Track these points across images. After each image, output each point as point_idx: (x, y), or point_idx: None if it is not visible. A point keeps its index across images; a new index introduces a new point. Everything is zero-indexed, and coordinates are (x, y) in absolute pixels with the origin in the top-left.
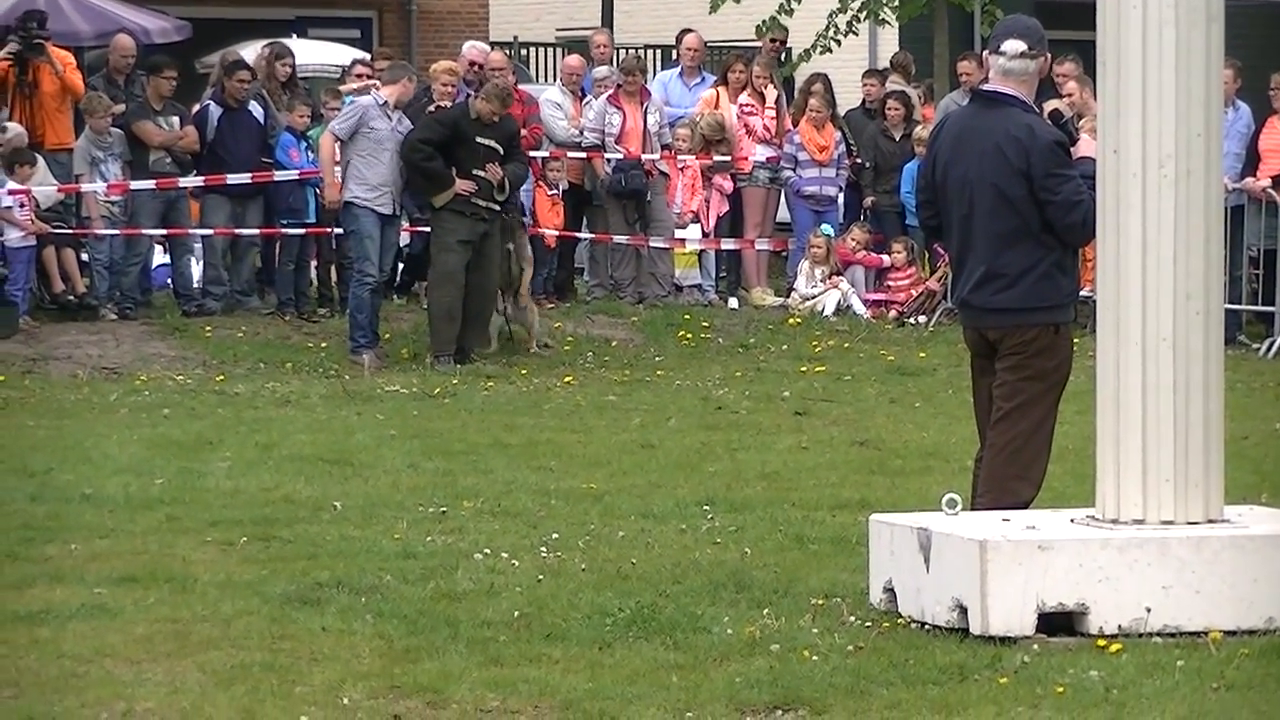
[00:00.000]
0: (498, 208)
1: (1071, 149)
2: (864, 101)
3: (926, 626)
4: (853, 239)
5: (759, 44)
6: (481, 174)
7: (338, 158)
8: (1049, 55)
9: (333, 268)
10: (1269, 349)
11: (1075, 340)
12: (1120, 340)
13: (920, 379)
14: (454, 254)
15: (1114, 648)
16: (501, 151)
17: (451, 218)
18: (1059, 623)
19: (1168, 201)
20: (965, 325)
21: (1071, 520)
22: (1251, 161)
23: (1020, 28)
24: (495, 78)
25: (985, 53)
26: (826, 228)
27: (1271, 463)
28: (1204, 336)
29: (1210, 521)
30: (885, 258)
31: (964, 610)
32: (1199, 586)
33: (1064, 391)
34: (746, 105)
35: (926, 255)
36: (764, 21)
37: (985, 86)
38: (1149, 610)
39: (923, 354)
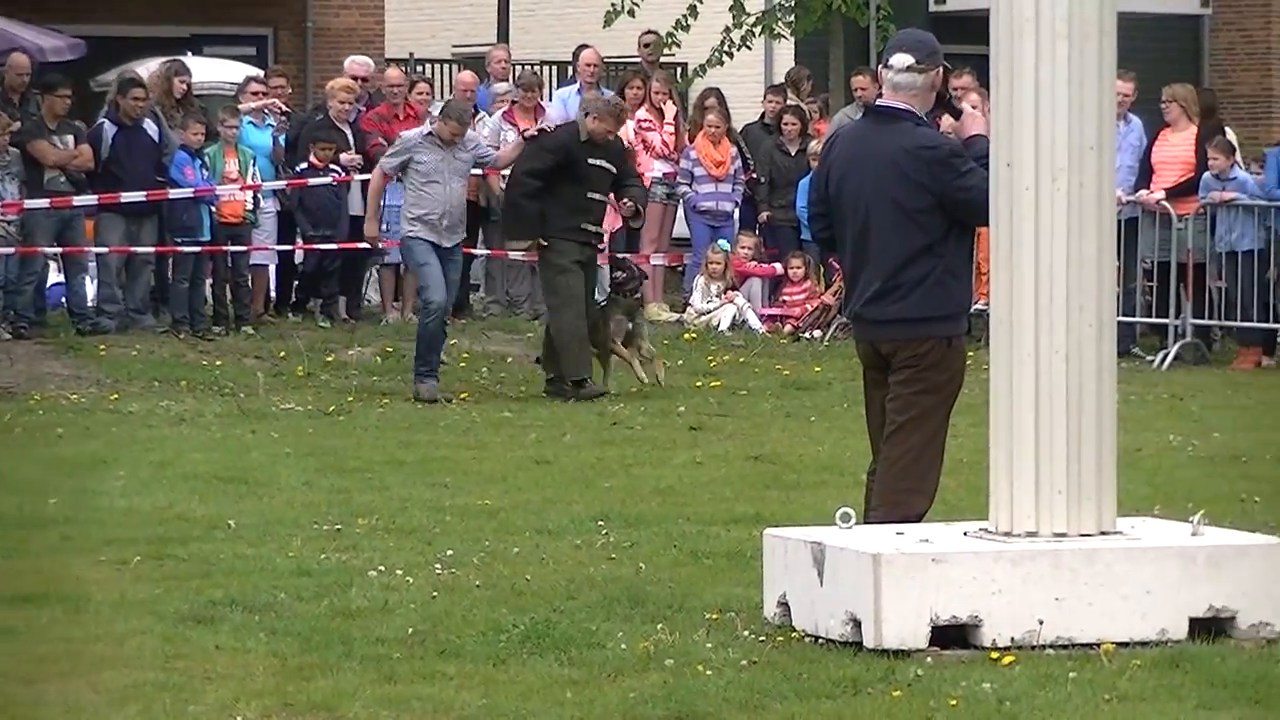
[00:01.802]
0: (602, 232)
1: (958, 129)
2: (763, 116)
3: (821, 640)
4: (742, 247)
5: (652, 58)
6: (596, 197)
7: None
8: (942, 69)
9: (228, 286)
10: (1163, 361)
11: (969, 353)
12: (1013, 353)
13: (815, 393)
14: (571, 274)
15: (1007, 660)
16: (615, 172)
17: (560, 242)
18: (952, 635)
19: (1060, 214)
20: (858, 339)
21: (965, 533)
22: (1145, 174)
23: (910, 42)
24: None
25: (878, 67)
26: (723, 243)
27: (1164, 474)
28: (1097, 349)
29: (1103, 533)
30: (778, 266)
31: (858, 624)
32: (1092, 598)
33: (958, 404)
34: (644, 121)
35: (822, 270)
36: (660, 36)
37: (878, 101)
38: (1042, 622)
39: (818, 368)
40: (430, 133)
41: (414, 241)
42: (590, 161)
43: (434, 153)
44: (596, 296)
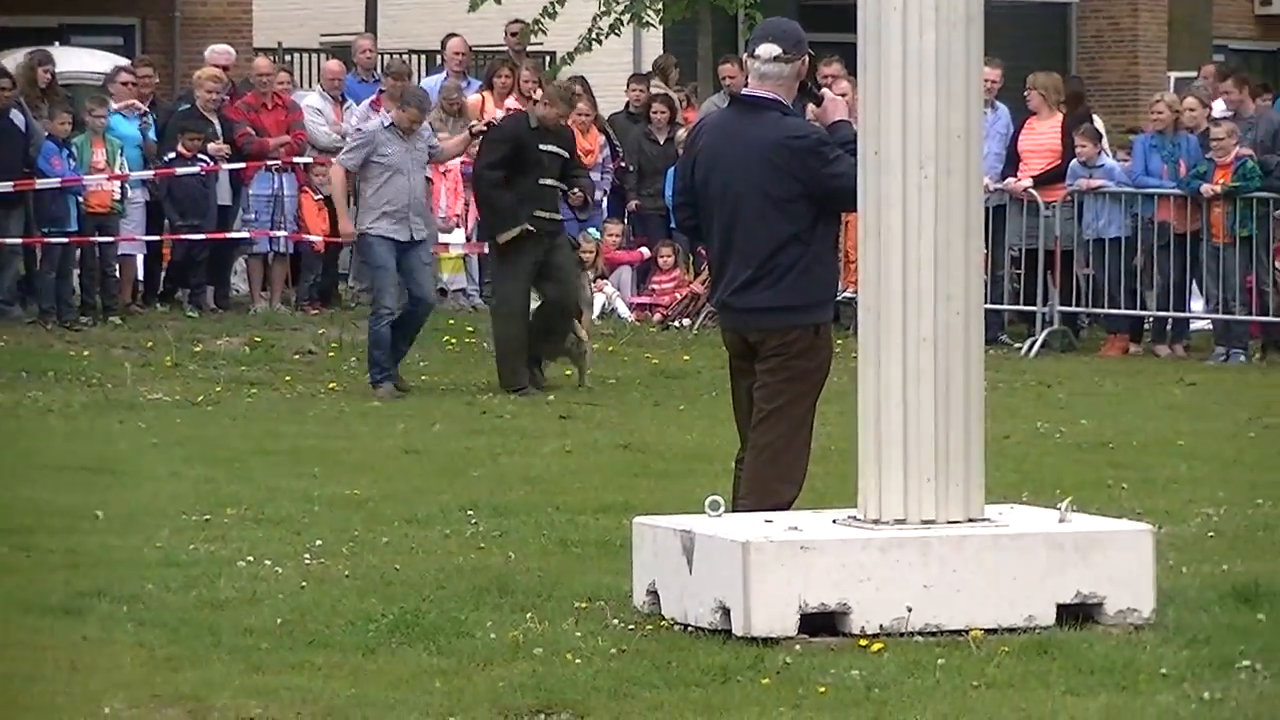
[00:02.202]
0: (560, 217)
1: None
2: (628, 105)
3: (690, 628)
4: (611, 235)
5: (520, 47)
6: (549, 183)
7: (345, 188)
8: (808, 57)
9: (96, 276)
10: (1030, 348)
11: (837, 341)
12: (881, 341)
13: (684, 381)
14: (517, 283)
15: (876, 647)
16: (567, 156)
17: (514, 241)
18: (821, 623)
19: (928, 202)
20: (725, 328)
21: (834, 521)
22: (1012, 162)
23: (775, 31)
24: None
25: (745, 56)
26: (593, 231)
27: (1033, 461)
28: (964, 336)
29: (971, 520)
30: (645, 250)
31: (727, 612)
32: (960, 585)
33: (826, 392)
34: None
35: (691, 258)
36: (527, 24)
37: (744, 90)
38: (910, 609)
39: (687, 357)
40: (390, 124)
41: (376, 240)
42: (541, 148)
43: (396, 144)
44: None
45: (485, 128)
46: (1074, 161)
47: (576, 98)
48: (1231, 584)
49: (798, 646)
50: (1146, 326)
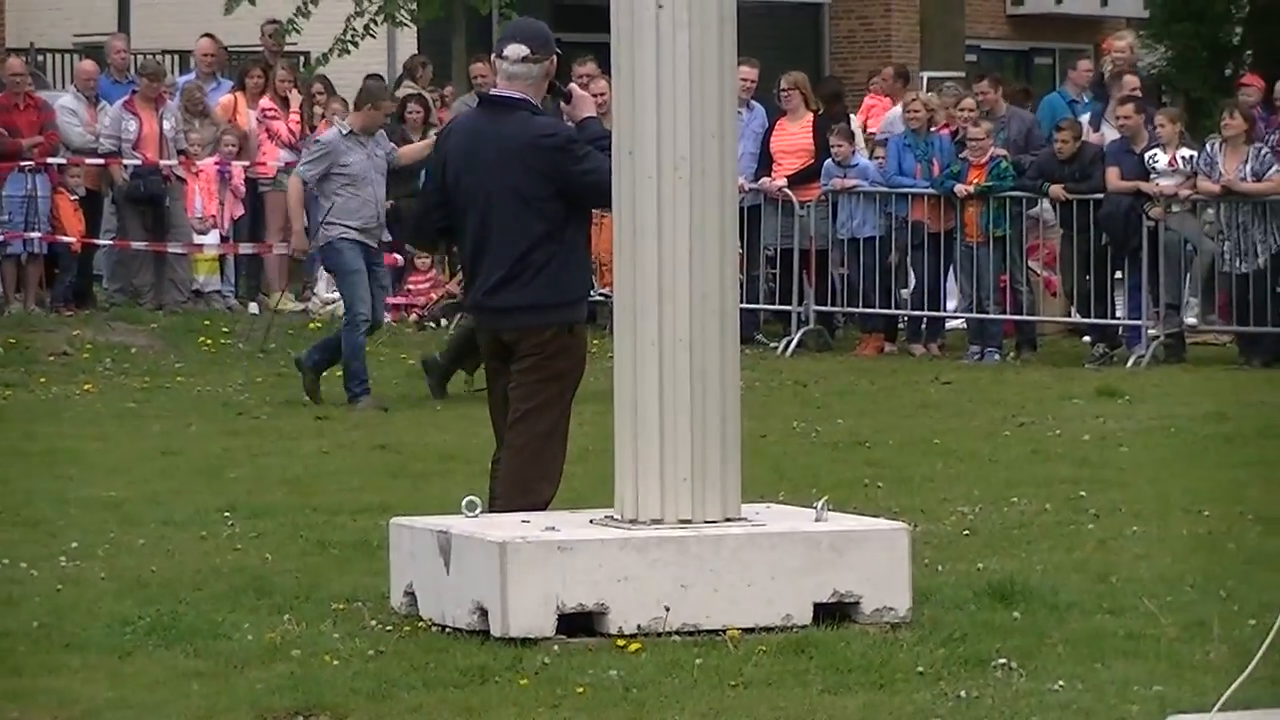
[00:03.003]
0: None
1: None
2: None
3: (448, 629)
4: None
5: (276, 47)
6: None
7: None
8: (556, 57)
9: None
10: (786, 347)
11: (595, 341)
12: (637, 340)
13: None
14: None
15: (633, 647)
16: None
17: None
18: (579, 623)
19: (683, 202)
20: (480, 328)
21: (591, 521)
22: (766, 162)
23: (523, 32)
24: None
25: (493, 57)
26: None
27: (790, 461)
28: (720, 336)
29: (728, 520)
30: (399, 257)
31: (484, 612)
32: (717, 585)
33: (583, 392)
34: (270, 110)
35: (447, 259)
36: (282, 24)
37: (493, 91)
38: (668, 609)
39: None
40: (349, 131)
41: (345, 245)
42: None
43: (357, 152)
44: None
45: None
46: (828, 161)
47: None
48: (987, 582)
49: (556, 647)
50: (901, 326)
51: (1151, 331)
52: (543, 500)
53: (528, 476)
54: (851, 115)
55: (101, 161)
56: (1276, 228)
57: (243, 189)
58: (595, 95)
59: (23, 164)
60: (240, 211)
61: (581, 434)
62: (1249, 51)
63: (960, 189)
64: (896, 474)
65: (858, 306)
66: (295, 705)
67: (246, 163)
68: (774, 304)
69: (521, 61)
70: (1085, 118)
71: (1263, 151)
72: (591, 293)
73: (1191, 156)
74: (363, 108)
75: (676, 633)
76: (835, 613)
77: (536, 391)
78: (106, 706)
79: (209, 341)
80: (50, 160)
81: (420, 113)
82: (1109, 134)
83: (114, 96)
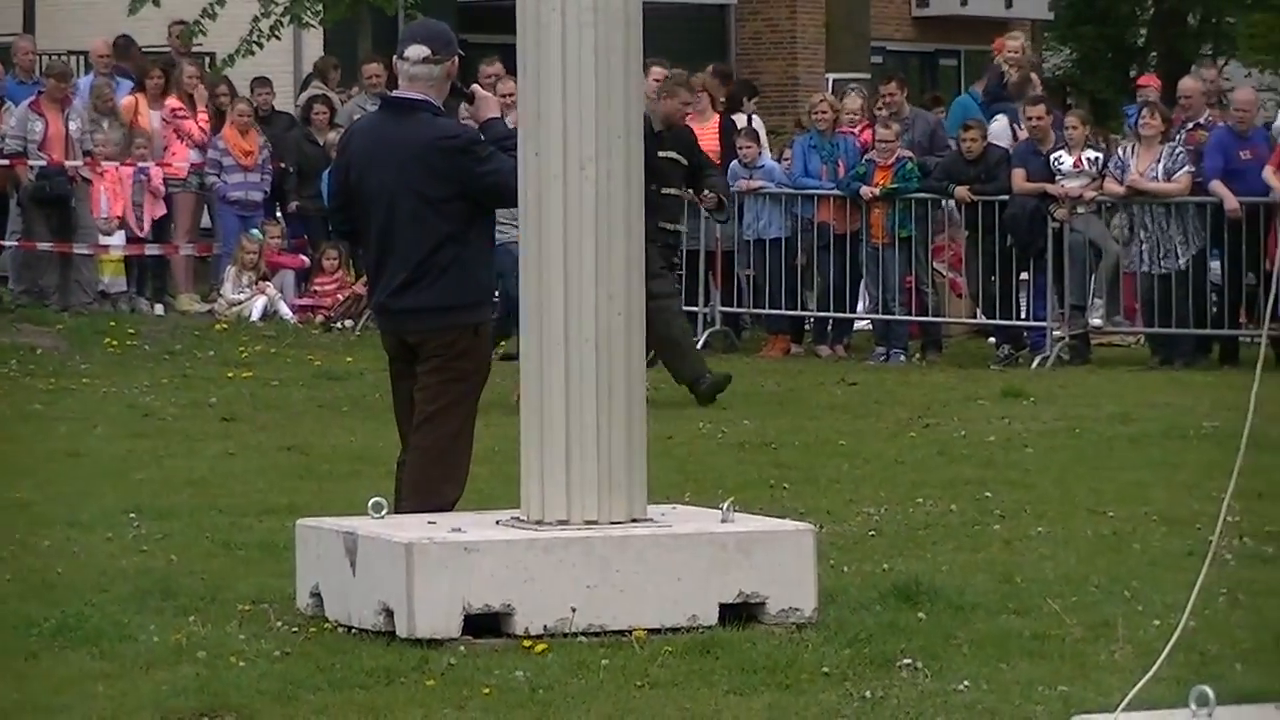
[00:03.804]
0: (683, 229)
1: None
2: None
3: (354, 630)
4: (272, 237)
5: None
6: (672, 192)
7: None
8: (459, 58)
9: None
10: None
11: (501, 342)
12: (544, 342)
13: (347, 383)
14: (663, 279)
15: (539, 648)
16: (686, 164)
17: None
18: (485, 624)
19: (589, 203)
20: (384, 330)
21: (497, 522)
22: None
23: (424, 33)
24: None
25: (394, 58)
26: (255, 232)
27: (695, 461)
28: (626, 337)
29: (634, 521)
30: (305, 258)
31: (390, 613)
32: (623, 585)
33: (489, 393)
34: (178, 110)
35: (353, 260)
36: (189, 25)
37: (395, 92)
38: (574, 610)
39: (350, 358)
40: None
41: (515, 246)
42: (660, 154)
43: None
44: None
45: None
46: (734, 162)
47: (692, 84)
48: (892, 583)
49: (462, 648)
50: (808, 327)
51: (1056, 333)
52: (449, 501)
53: (434, 478)
54: (755, 116)
55: (7, 162)
56: (1195, 229)
57: (162, 189)
58: (503, 96)
59: None
60: (161, 211)
61: (486, 435)
62: (1153, 53)
63: (866, 191)
64: (803, 475)
65: (764, 308)
66: (200, 707)
67: (156, 163)
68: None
69: (422, 63)
70: (1000, 121)
71: (1176, 151)
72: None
73: (1097, 158)
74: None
75: (583, 634)
76: (741, 613)
77: (442, 393)
78: (12, 708)
79: (115, 343)
80: None
81: (326, 114)
82: (999, 132)
83: (20, 97)
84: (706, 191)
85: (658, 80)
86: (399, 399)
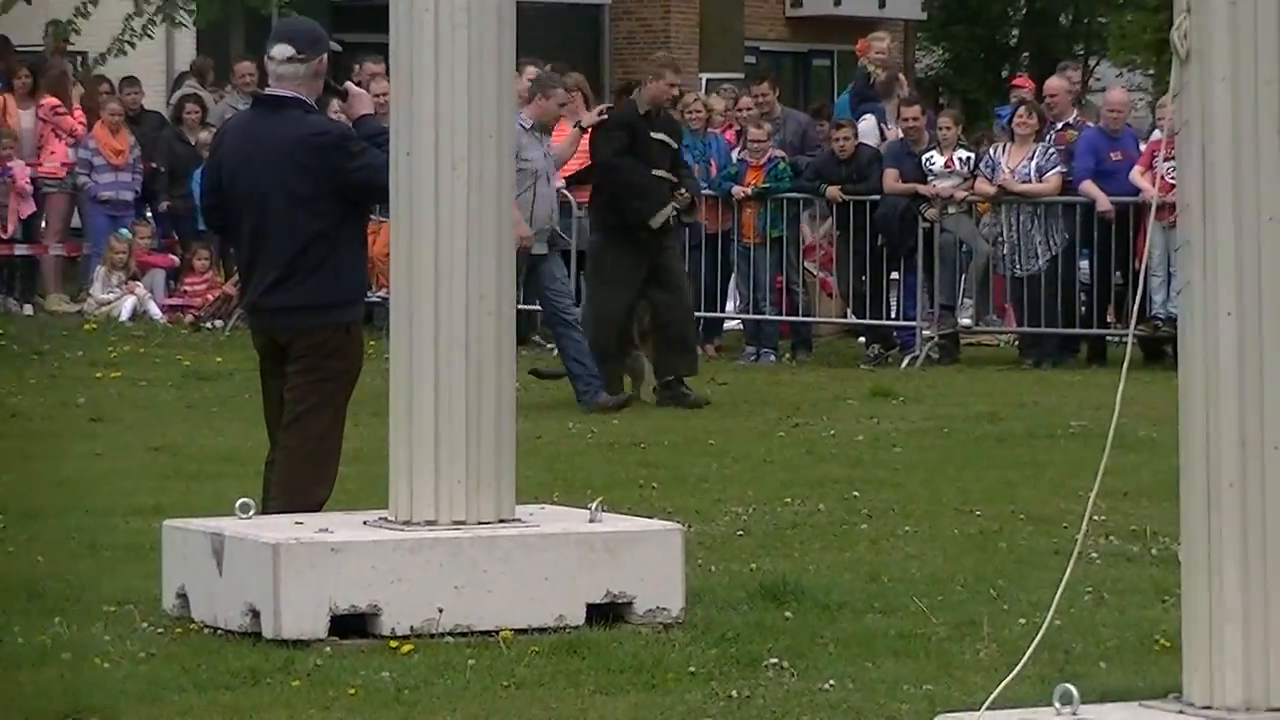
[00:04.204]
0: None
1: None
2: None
3: (220, 631)
4: (142, 237)
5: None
6: (662, 174)
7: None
8: (326, 57)
9: None
10: None
11: (372, 342)
12: (413, 341)
13: (216, 383)
14: (622, 289)
15: (406, 648)
16: (674, 146)
17: (622, 243)
18: (352, 625)
19: (460, 203)
20: (255, 329)
21: (365, 522)
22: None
23: (289, 32)
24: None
25: (264, 57)
26: (125, 232)
27: (564, 461)
28: (496, 337)
29: (502, 521)
30: (175, 258)
31: (257, 614)
32: (490, 586)
33: (358, 393)
34: (57, 107)
35: (223, 260)
36: (62, 24)
37: (265, 91)
38: (441, 610)
39: (219, 358)
40: (532, 125)
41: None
42: (653, 135)
43: (536, 148)
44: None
45: (599, 120)
46: None
47: (678, 66)
48: (760, 582)
49: (328, 648)
50: None
51: (926, 332)
52: (317, 502)
53: (302, 478)
54: None
55: None
56: (1059, 230)
57: (29, 189)
58: (377, 95)
59: None
60: (30, 210)
61: (355, 435)
62: (1025, 54)
63: (738, 190)
64: (671, 474)
65: None
66: (65, 708)
67: (27, 162)
68: None
69: (288, 62)
70: (868, 120)
71: (1049, 150)
72: (369, 294)
73: (969, 158)
74: (533, 98)
75: (449, 634)
76: (608, 613)
77: (311, 392)
78: None
79: None
80: None
81: (198, 113)
82: (866, 132)
83: None
84: (682, 190)
85: (530, 80)
86: (268, 399)
